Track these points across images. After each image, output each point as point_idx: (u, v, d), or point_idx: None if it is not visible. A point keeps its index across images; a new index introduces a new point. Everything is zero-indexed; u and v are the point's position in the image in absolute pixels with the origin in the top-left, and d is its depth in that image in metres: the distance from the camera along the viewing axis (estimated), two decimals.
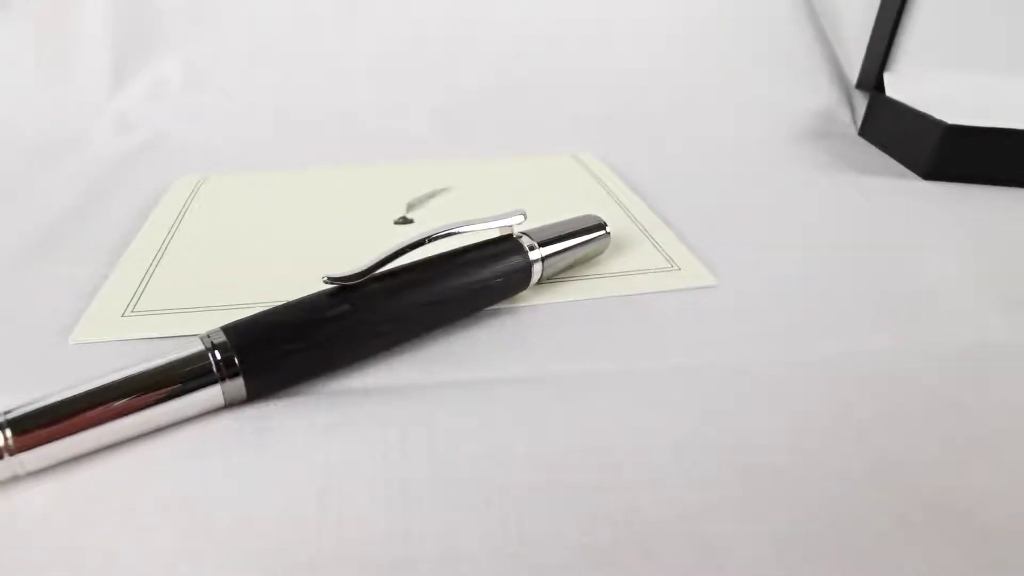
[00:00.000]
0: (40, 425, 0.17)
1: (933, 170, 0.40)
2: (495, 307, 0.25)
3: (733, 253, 0.30)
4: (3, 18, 0.47)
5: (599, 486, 0.18)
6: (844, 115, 0.50)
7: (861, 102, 0.50)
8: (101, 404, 0.17)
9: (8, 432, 0.16)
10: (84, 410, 0.17)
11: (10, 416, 0.17)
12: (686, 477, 0.18)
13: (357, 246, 0.30)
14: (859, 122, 0.49)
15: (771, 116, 0.48)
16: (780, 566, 0.16)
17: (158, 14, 0.49)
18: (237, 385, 0.19)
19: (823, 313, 0.26)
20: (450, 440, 0.19)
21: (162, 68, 0.48)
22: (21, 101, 0.46)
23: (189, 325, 0.24)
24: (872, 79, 0.49)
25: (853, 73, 0.51)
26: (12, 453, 0.16)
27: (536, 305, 0.26)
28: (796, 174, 0.41)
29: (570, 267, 0.28)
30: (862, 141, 0.47)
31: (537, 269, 0.26)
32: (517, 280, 0.25)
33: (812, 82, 0.50)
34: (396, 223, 0.32)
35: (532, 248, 0.25)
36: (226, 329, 0.20)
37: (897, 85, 0.47)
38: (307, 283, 0.22)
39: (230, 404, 0.20)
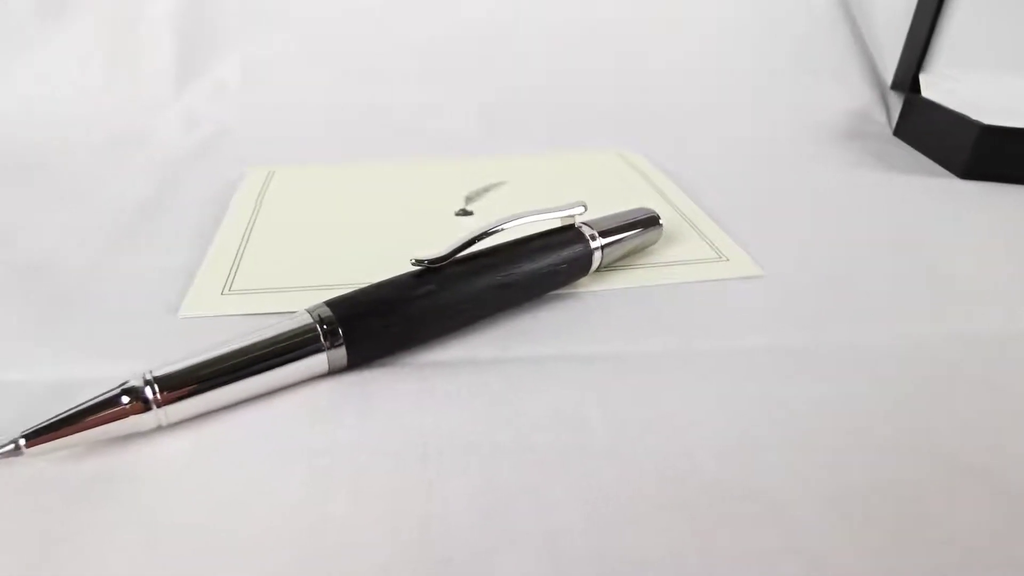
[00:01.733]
0: (181, 383, 0.19)
1: (970, 170, 0.42)
2: (557, 292, 0.28)
3: (776, 246, 0.32)
4: (74, 20, 0.50)
5: (666, 450, 0.20)
6: (879, 115, 0.51)
7: (895, 103, 0.52)
8: (230, 366, 0.20)
9: (156, 387, 0.19)
10: (216, 370, 0.20)
11: (156, 374, 0.19)
12: (745, 444, 0.20)
13: (423, 235, 0.32)
14: (894, 122, 0.50)
15: (806, 116, 0.50)
16: (834, 524, 0.17)
17: (218, 16, 0.51)
18: (340, 354, 0.22)
19: (866, 302, 0.28)
20: (529, 408, 0.21)
21: (222, 67, 0.51)
22: (91, 100, 0.49)
23: (280, 303, 0.26)
24: (907, 80, 0.50)
25: (888, 74, 0.52)
26: (159, 406, 0.19)
27: (595, 291, 0.28)
28: (833, 172, 0.42)
29: (625, 256, 0.30)
30: (897, 141, 0.49)
31: (597, 257, 0.28)
32: (579, 267, 0.27)
33: (847, 83, 0.52)
34: (457, 214, 0.35)
35: (593, 238, 0.27)
36: (330, 303, 0.22)
37: (933, 86, 0.48)
38: (381, 267, 0.24)
39: (332, 371, 0.22)
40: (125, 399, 0.18)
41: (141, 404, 0.19)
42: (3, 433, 0.18)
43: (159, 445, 0.19)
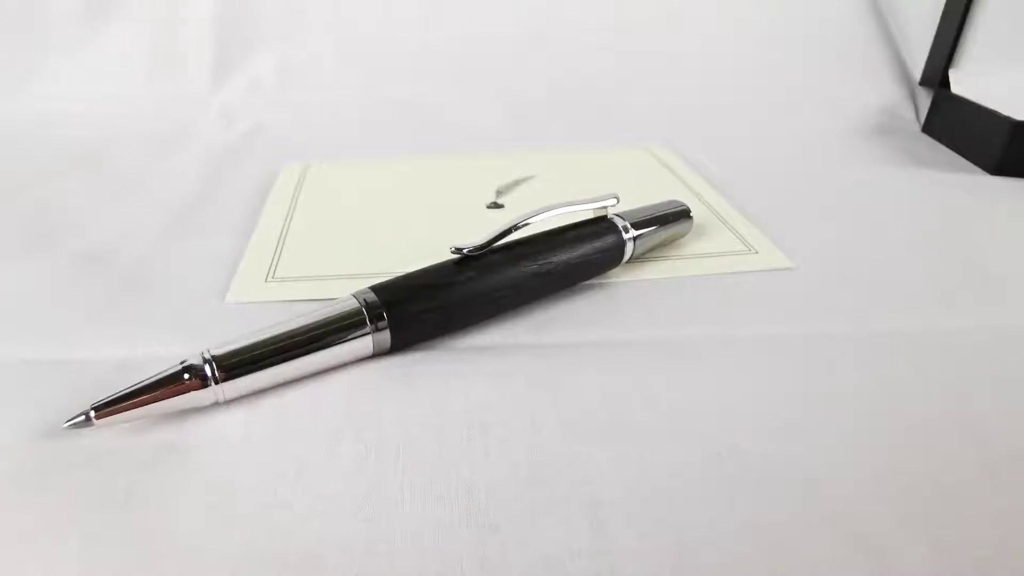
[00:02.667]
0: (237, 361, 0.20)
1: (1001, 166, 0.41)
2: (590, 281, 0.28)
3: (805, 240, 0.32)
4: (118, 23, 0.52)
5: (705, 430, 0.20)
6: (907, 112, 0.51)
7: (923, 99, 0.51)
8: (282, 346, 0.21)
9: (214, 365, 0.20)
10: (269, 350, 0.21)
11: (214, 353, 0.20)
12: (782, 426, 0.20)
13: (455, 227, 0.33)
14: (922, 119, 0.50)
15: (834, 112, 0.50)
16: (875, 502, 0.18)
17: (254, 17, 0.53)
18: (384, 337, 0.22)
19: (897, 294, 0.28)
20: (568, 389, 0.22)
21: (258, 65, 0.52)
22: (134, 96, 0.51)
23: (320, 290, 0.27)
24: (937, 76, 0.49)
25: (916, 71, 0.52)
26: (217, 382, 0.20)
27: (626, 281, 0.29)
28: (861, 168, 0.43)
29: (656, 248, 0.30)
30: (926, 137, 0.48)
31: (629, 247, 0.28)
32: (612, 257, 0.28)
33: (876, 79, 0.52)
34: (488, 207, 0.35)
35: (626, 229, 0.28)
36: (375, 289, 0.23)
37: (963, 82, 0.48)
38: (416, 257, 0.25)
39: (376, 354, 0.23)
40: (186, 376, 0.19)
41: (200, 381, 0.20)
42: (73, 407, 0.19)
43: (216, 420, 0.20)
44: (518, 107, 0.51)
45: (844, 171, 0.42)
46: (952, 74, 0.48)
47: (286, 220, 0.34)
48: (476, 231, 0.25)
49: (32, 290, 0.27)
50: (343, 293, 0.23)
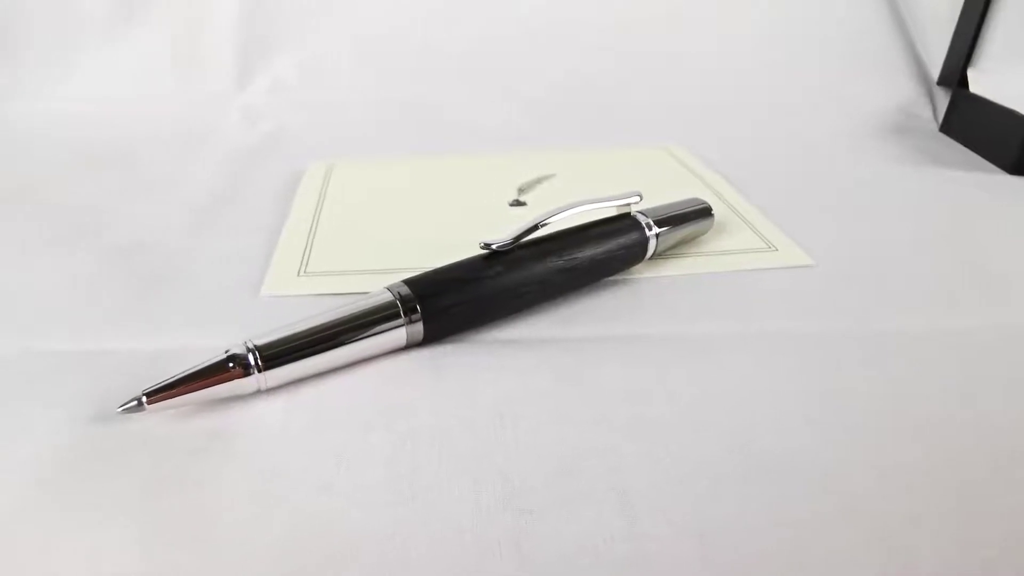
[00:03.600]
0: (279, 351, 0.21)
1: (1019, 165, 0.41)
2: (613, 277, 0.29)
3: (823, 238, 0.32)
4: (142, 24, 0.53)
5: (728, 424, 0.21)
6: (925, 111, 0.51)
7: (941, 98, 0.51)
8: (320, 336, 0.22)
9: (257, 354, 0.21)
10: (309, 340, 0.21)
11: (256, 343, 0.21)
12: (802, 421, 0.21)
13: (479, 224, 0.34)
14: (940, 118, 0.50)
15: (851, 112, 0.50)
16: (889, 495, 0.18)
17: (276, 19, 0.54)
18: (417, 329, 0.23)
19: (918, 292, 0.28)
20: (595, 381, 0.22)
21: (280, 67, 0.53)
22: (159, 97, 0.52)
23: (351, 284, 0.28)
24: (955, 75, 0.50)
25: (934, 70, 0.52)
26: (260, 371, 0.21)
27: (649, 277, 0.29)
28: (879, 168, 0.43)
29: (677, 245, 0.31)
30: (943, 137, 0.48)
31: (652, 244, 0.29)
32: (635, 253, 0.28)
33: (893, 79, 0.52)
34: (511, 205, 0.36)
35: (649, 226, 0.28)
36: (408, 282, 0.24)
37: (981, 81, 0.48)
38: (443, 253, 0.25)
39: (409, 345, 0.24)
40: (230, 364, 0.20)
41: (243, 369, 0.20)
42: (114, 394, 0.20)
43: (257, 408, 0.21)
44: (531, 107, 0.52)
45: (861, 170, 0.42)
46: (970, 73, 0.49)
47: (314, 217, 0.34)
48: (499, 228, 0.26)
49: (68, 283, 0.28)
50: (372, 287, 0.24)
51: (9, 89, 0.51)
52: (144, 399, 0.19)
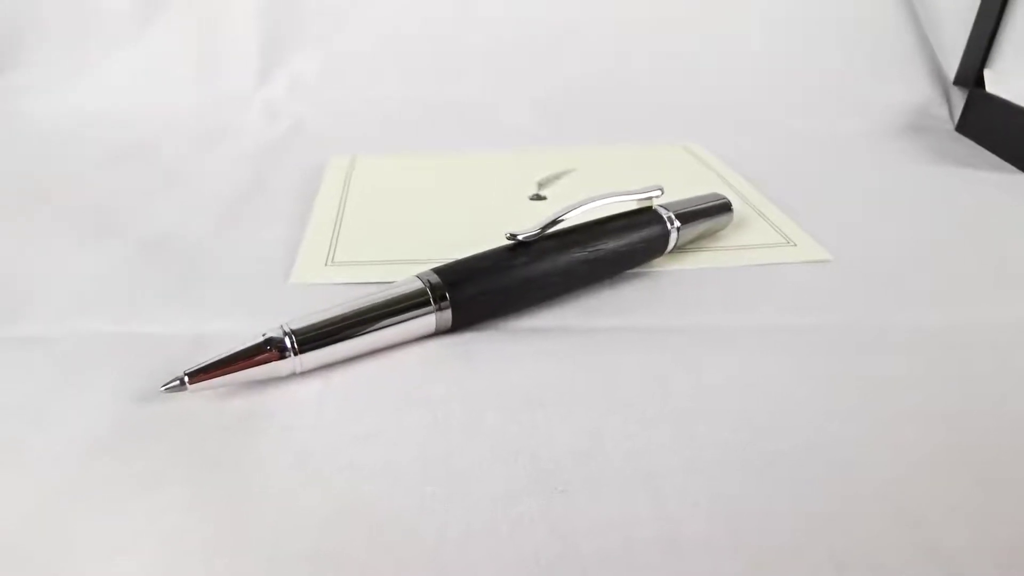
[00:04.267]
0: (314, 335, 0.22)
1: None
2: (634, 270, 0.29)
3: (841, 235, 0.33)
4: (164, 21, 0.54)
5: (752, 413, 0.21)
6: (941, 111, 0.51)
7: (957, 98, 0.51)
8: (354, 322, 0.22)
9: (293, 338, 0.21)
10: (343, 325, 0.22)
11: (292, 327, 0.21)
12: (825, 410, 0.21)
13: (500, 217, 0.34)
14: (956, 118, 0.50)
15: (867, 111, 0.50)
16: (917, 480, 0.19)
17: (295, 17, 0.54)
18: (445, 316, 0.24)
19: (934, 288, 0.29)
20: (619, 369, 0.23)
21: (300, 63, 0.54)
22: (181, 93, 0.53)
23: (377, 274, 0.29)
24: (971, 75, 0.50)
25: (950, 69, 0.52)
26: (296, 354, 0.21)
27: (669, 270, 0.30)
28: (895, 167, 0.43)
29: (697, 239, 0.31)
30: (960, 136, 0.49)
31: (673, 237, 0.29)
32: (656, 246, 0.29)
33: (909, 78, 0.52)
34: (531, 199, 0.37)
35: (670, 220, 0.29)
36: (437, 271, 0.24)
37: (997, 81, 0.48)
38: (467, 244, 0.26)
39: (437, 332, 0.24)
40: (268, 347, 0.21)
41: (279, 352, 0.21)
42: (155, 374, 0.21)
43: (292, 389, 0.22)
44: (549, 105, 0.52)
45: (877, 169, 0.43)
46: (987, 73, 0.49)
47: (339, 209, 0.35)
48: (520, 222, 0.26)
49: (107, 271, 0.29)
50: (397, 277, 0.25)
51: (33, 88, 0.51)
52: (186, 379, 0.20)
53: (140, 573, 0.16)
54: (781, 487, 0.18)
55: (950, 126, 0.50)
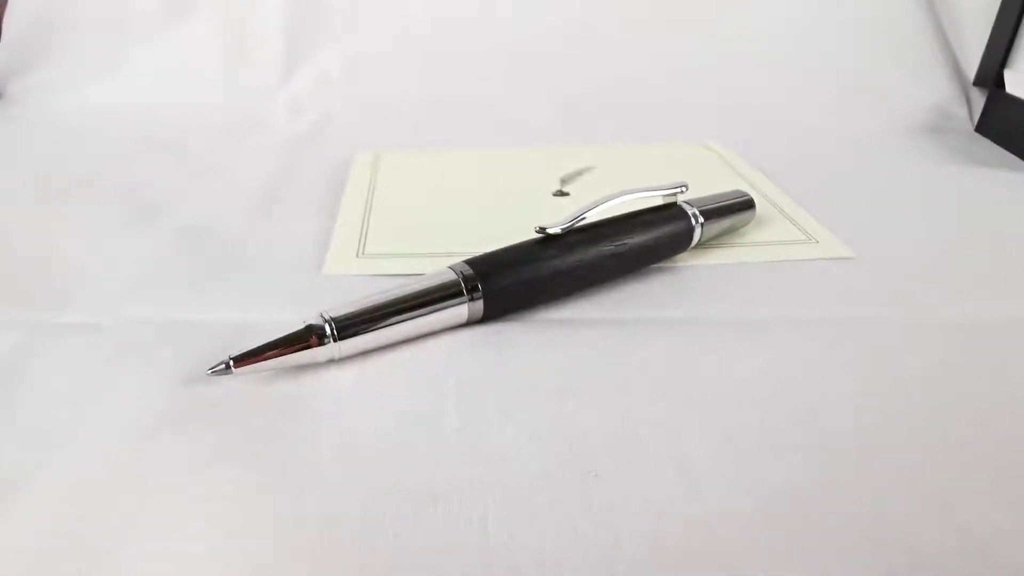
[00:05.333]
0: (352, 323, 0.22)
1: None
2: (658, 265, 0.30)
3: (863, 233, 0.33)
4: (193, 19, 0.55)
5: (784, 401, 0.22)
6: (960, 111, 0.51)
7: (977, 98, 0.52)
8: (390, 311, 0.23)
9: (332, 325, 0.22)
10: (379, 314, 0.23)
11: (332, 315, 0.22)
12: (857, 400, 0.22)
13: (524, 212, 0.35)
14: (975, 118, 0.50)
15: (886, 111, 0.50)
16: (947, 469, 0.19)
17: (320, 14, 0.55)
18: (477, 307, 0.24)
19: (958, 284, 0.29)
20: (647, 359, 0.23)
21: (324, 60, 0.55)
22: (207, 88, 0.54)
23: (407, 266, 0.29)
24: (991, 76, 0.50)
25: (970, 70, 0.52)
26: (335, 341, 0.22)
27: (692, 266, 0.30)
28: (914, 165, 0.43)
29: (720, 235, 0.32)
30: (979, 137, 0.49)
31: (697, 233, 0.30)
32: (680, 241, 0.29)
33: (929, 79, 0.52)
34: (554, 195, 0.37)
35: (695, 216, 0.29)
36: (470, 262, 0.25)
37: (1017, 82, 0.48)
38: (493, 238, 0.26)
39: (469, 322, 0.25)
40: (309, 334, 0.22)
41: (319, 339, 0.22)
42: (199, 359, 0.22)
43: (330, 375, 0.22)
44: (569, 103, 0.53)
45: (896, 168, 0.43)
46: (1007, 74, 0.49)
47: (366, 203, 0.36)
48: (543, 217, 0.27)
49: (148, 261, 0.30)
50: (426, 269, 0.25)
51: (66, 83, 0.53)
52: (231, 363, 0.21)
53: (199, 544, 0.17)
54: (812, 472, 0.19)
55: (969, 126, 0.50)
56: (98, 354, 0.23)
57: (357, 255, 0.30)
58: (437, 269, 0.25)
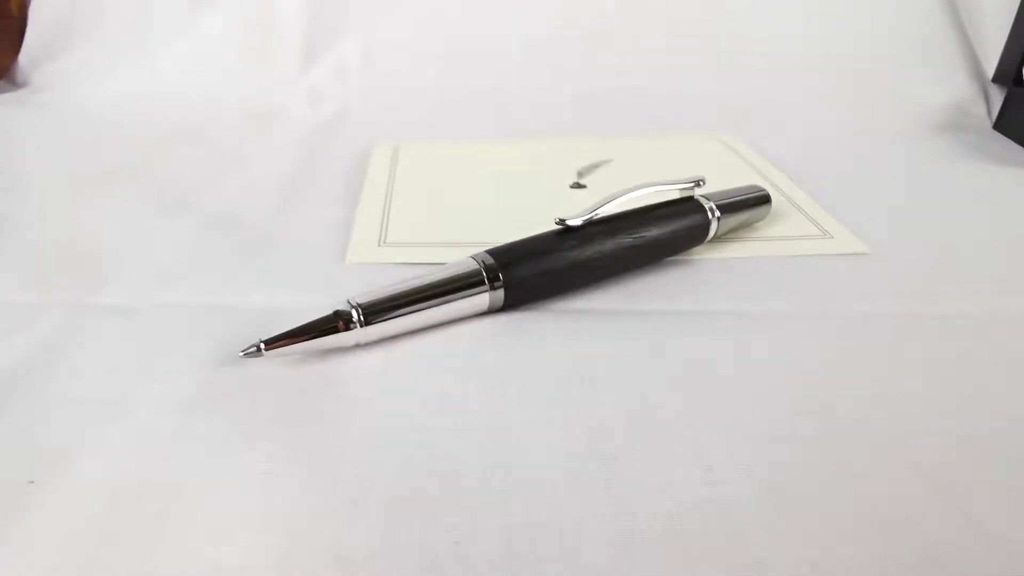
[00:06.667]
0: (378, 309, 0.23)
1: None
2: (674, 258, 0.30)
3: (878, 229, 0.33)
4: (215, 11, 0.56)
5: (799, 392, 0.22)
6: (979, 109, 0.51)
7: (996, 96, 0.51)
8: (414, 298, 0.24)
9: (359, 311, 0.23)
10: (404, 301, 0.23)
11: (359, 302, 0.23)
12: (872, 391, 0.22)
13: (542, 204, 0.35)
14: (994, 116, 0.50)
15: (905, 108, 0.50)
16: (964, 461, 0.20)
17: (340, 6, 0.56)
18: (498, 296, 0.25)
19: (974, 280, 0.29)
20: (665, 349, 0.24)
21: (344, 51, 0.56)
22: (228, 79, 0.55)
23: (428, 255, 0.30)
24: (1010, 73, 0.49)
25: (989, 67, 0.52)
26: (362, 325, 0.23)
27: (708, 259, 0.31)
28: (932, 162, 0.43)
29: (735, 229, 0.32)
30: (997, 135, 0.49)
31: (713, 226, 0.30)
32: (697, 234, 0.30)
33: (947, 76, 0.52)
34: (571, 187, 0.38)
35: (712, 210, 0.30)
36: (491, 252, 0.25)
37: None
38: (512, 229, 0.27)
39: (490, 311, 0.26)
40: (337, 319, 0.22)
41: (346, 324, 0.23)
42: (231, 342, 0.23)
43: (356, 359, 0.23)
44: (588, 97, 0.53)
45: (914, 165, 0.43)
46: None
47: (387, 192, 0.37)
48: (561, 208, 0.27)
49: (180, 246, 0.31)
50: (447, 258, 0.26)
51: (90, 73, 0.54)
52: (263, 346, 0.22)
53: (237, 517, 0.18)
54: (827, 461, 0.19)
55: (988, 124, 0.50)
56: (135, 335, 0.24)
57: (379, 244, 0.31)
58: (459, 258, 0.26)
